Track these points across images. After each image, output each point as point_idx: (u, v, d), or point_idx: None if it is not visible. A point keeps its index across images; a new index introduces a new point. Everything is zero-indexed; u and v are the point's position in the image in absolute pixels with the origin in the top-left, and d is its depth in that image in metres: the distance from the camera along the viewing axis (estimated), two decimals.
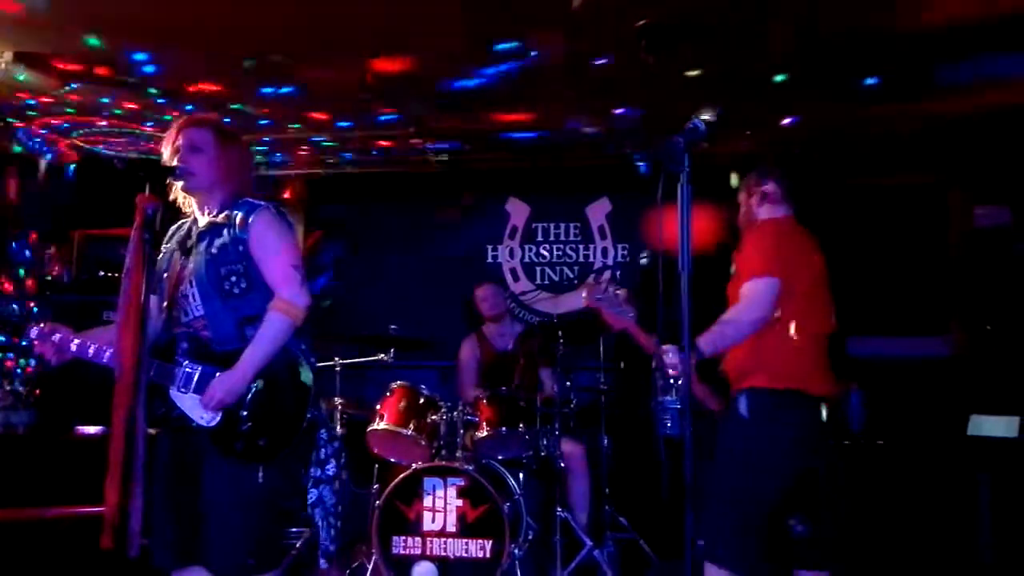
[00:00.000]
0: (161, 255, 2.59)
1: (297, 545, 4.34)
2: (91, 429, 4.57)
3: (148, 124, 4.91)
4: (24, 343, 2.53)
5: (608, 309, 2.78)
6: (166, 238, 2.65)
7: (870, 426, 4.45)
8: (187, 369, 2.45)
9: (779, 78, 4.21)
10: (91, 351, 2.48)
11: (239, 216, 2.48)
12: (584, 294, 2.79)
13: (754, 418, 2.67)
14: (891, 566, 4.10)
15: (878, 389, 4.64)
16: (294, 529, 4.53)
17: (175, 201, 2.58)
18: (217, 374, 2.42)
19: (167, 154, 2.54)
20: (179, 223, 2.64)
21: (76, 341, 2.49)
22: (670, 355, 2.66)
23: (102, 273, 5.16)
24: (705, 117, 2.17)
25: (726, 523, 2.66)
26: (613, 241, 6.00)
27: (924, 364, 5.20)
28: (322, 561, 4.21)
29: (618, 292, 2.73)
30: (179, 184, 2.51)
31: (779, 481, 2.64)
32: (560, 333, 4.36)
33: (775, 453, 2.63)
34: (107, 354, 2.46)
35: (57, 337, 2.49)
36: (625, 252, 5.99)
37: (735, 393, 2.76)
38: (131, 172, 2.62)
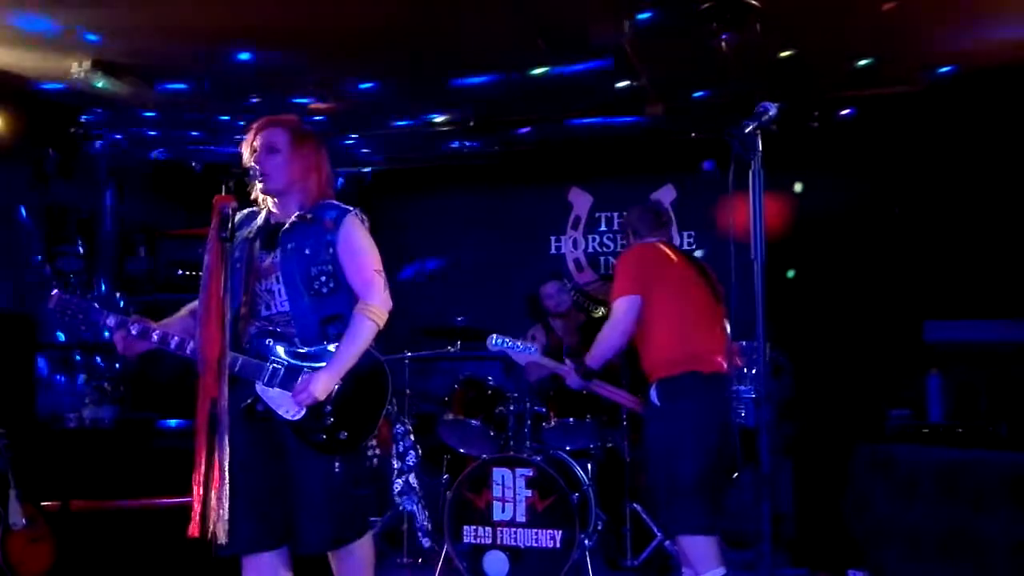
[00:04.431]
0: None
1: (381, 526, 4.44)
2: (174, 422, 4.74)
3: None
4: (106, 333, 2.49)
5: (510, 352, 3.42)
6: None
7: (951, 414, 4.29)
8: (275, 365, 2.50)
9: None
10: (173, 343, 2.49)
11: (329, 219, 2.55)
12: (488, 344, 3.43)
13: (663, 402, 3.19)
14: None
15: (960, 375, 4.46)
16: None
17: (254, 201, 2.63)
18: (305, 371, 2.48)
19: (245, 155, 2.60)
20: (247, 212, 2.65)
21: (157, 332, 2.50)
22: (571, 374, 3.34)
23: (180, 272, 5.33)
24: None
25: (673, 497, 3.13)
26: (678, 228, 5.92)
27: (1010, 349, 4.97)
28: (425, 540, 4.33)
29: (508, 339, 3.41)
30: (257, 185, 2.56)
31: (699, 447, 3.12)
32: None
33: (686, 425, 3.12)
34: (190, 347, 2.47)
35: (136, 328, 2.49)
36: (691, 239, 5.91)
37: (648, 388, 3.26)
38: (209, 174, 2.64)
